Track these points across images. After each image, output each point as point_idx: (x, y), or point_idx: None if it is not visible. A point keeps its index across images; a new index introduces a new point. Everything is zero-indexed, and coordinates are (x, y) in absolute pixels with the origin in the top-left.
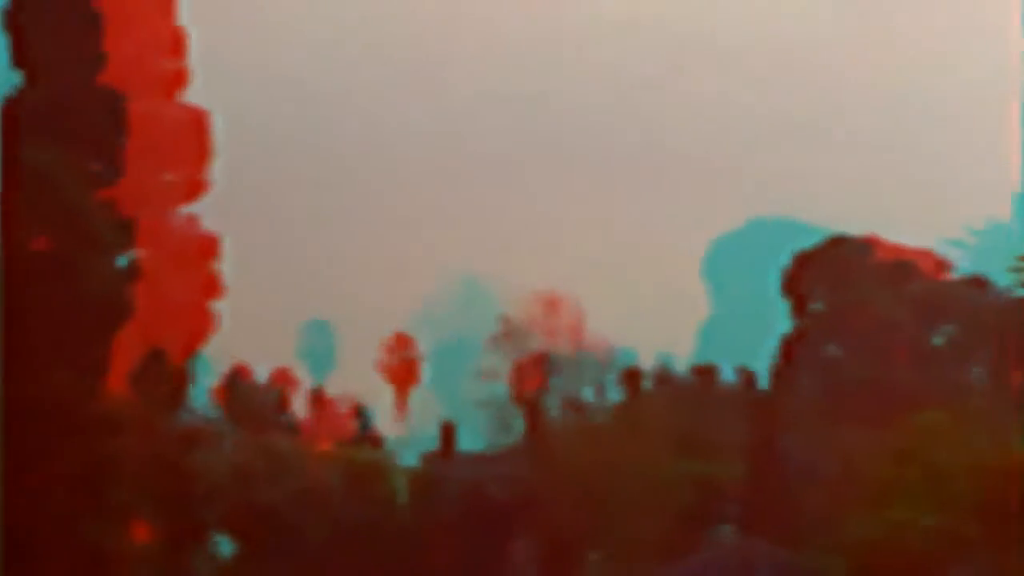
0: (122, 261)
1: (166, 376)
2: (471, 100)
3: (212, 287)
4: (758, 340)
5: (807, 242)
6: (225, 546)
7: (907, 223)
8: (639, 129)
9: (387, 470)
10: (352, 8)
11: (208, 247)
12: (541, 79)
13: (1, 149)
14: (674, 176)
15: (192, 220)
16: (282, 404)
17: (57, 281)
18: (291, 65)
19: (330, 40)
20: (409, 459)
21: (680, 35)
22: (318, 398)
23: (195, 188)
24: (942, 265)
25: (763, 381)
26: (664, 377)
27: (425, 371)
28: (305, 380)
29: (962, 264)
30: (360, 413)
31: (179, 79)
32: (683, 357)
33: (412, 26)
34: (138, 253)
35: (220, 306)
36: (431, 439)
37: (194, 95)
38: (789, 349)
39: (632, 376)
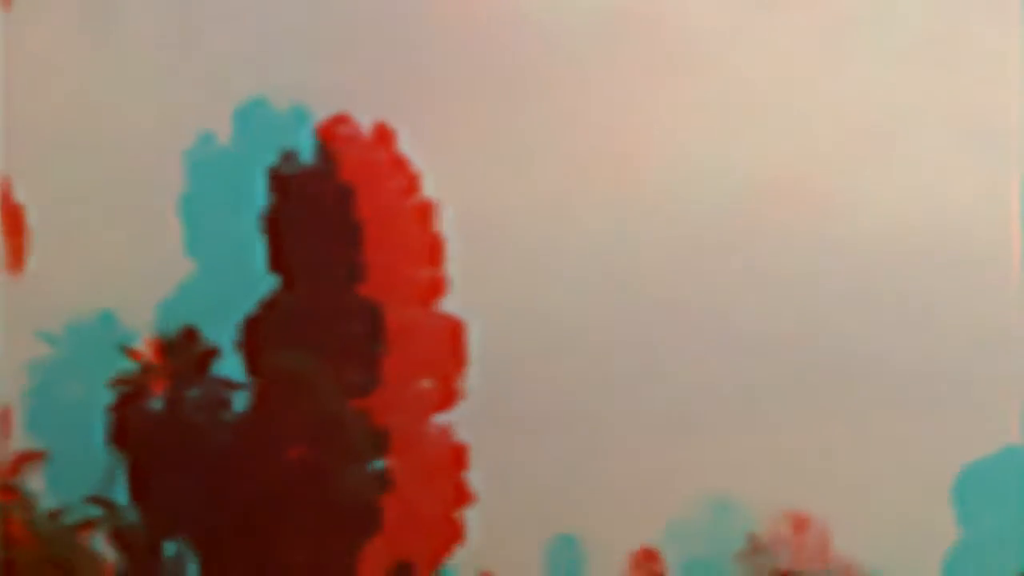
0: (374, 469)
1: None
2: (720, 325)
3: (461, 497)
4: (1005, 567)
5: None
6: None
7: None
8: (895, 351)
9: None
10: (613, 242)
11: (459, 457)
12: (793, 308)
13: (257, 354)
14: (929, 399)
15: (445, 430)
16: None
17: (310, 490)
18: (548, 278)
19: (585, 269)
20: None
21: (936, 252)
22: None
23: (449, 397)
24: None
25: None
26: None
27: None
28: None
29: None
30: None
31: (436, 288)
32: None
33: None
34: (390, 463)
35: (467, 516)
36: None
37: (450, 303)
38: None
39: None
